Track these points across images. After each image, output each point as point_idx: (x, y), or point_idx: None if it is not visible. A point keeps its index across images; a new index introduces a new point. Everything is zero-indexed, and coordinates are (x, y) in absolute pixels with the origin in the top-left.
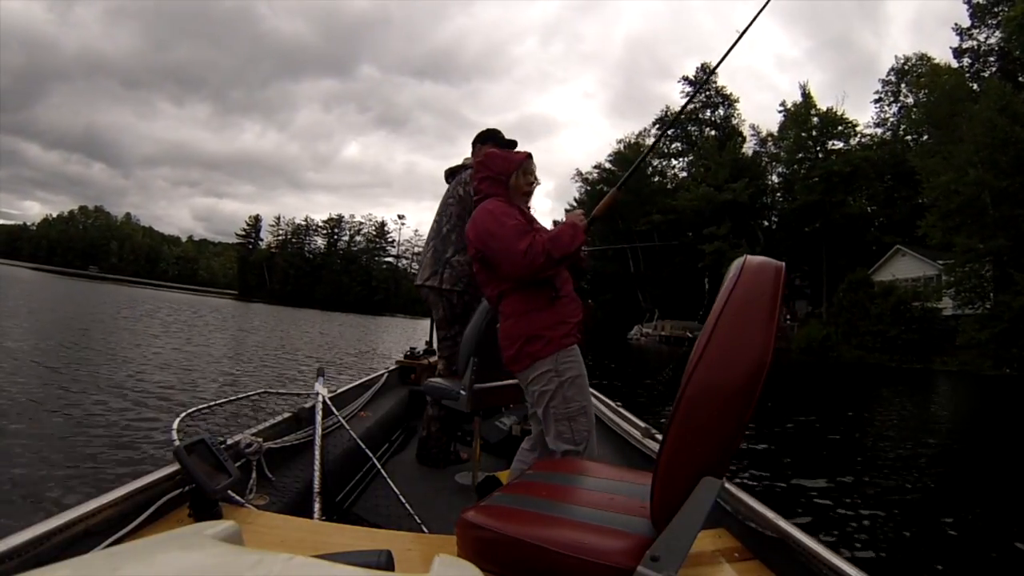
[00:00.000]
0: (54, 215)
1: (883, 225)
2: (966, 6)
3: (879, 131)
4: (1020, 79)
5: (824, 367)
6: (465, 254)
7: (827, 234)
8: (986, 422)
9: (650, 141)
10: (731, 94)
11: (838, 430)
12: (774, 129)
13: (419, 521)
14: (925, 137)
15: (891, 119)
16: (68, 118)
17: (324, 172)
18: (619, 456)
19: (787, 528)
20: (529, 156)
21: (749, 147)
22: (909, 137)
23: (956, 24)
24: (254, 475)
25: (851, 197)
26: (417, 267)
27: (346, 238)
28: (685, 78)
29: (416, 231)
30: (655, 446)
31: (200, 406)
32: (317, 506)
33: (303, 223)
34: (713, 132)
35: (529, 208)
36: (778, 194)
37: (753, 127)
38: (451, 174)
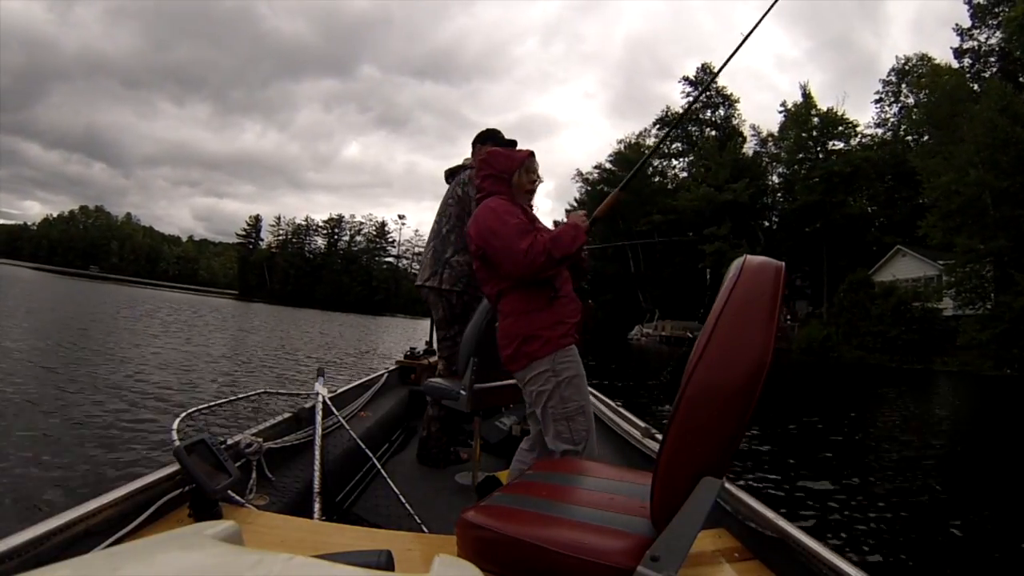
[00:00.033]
0: (54, 215)
1: (883, 225)
2: (967, 6)
3: (880, 131)
4: (1021, 79)
5: (824, 367)
6: (464, 254)
7: (827, 234)
8: (987, 423)
9: (650, 141)
10: (731, 94)
11: (838, 430)
12: (774, 129)
13: (419, 521)
14: (926, 137)
15: (892, 119)
16: (68, 118)
17: (324, 172)
18: (619, 456)
19: (787, 528)
20: (532, 154)
21: (749, 147)
22: (910, 137)
23: (957, 24)
24: (254, 475)
25: (852, 197)
26: (417, 267)
27: (346, 238)
28: (686, 78)
29: (416, 231)
30: (655, 446)
31: (200, 406)
32: (317, 506)
33: (303, 223)
34: (713, 132)
35: (531, 207)
36: (778, 194)
37: (753, 127)
38: (451, 174)
